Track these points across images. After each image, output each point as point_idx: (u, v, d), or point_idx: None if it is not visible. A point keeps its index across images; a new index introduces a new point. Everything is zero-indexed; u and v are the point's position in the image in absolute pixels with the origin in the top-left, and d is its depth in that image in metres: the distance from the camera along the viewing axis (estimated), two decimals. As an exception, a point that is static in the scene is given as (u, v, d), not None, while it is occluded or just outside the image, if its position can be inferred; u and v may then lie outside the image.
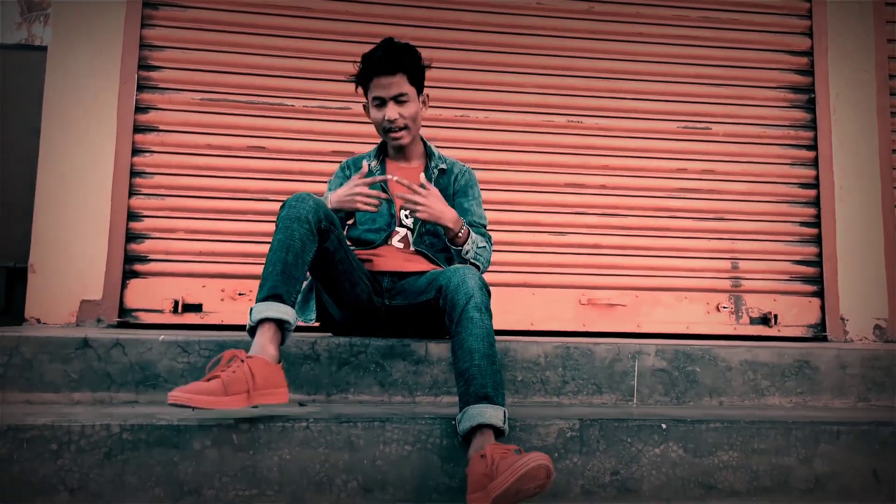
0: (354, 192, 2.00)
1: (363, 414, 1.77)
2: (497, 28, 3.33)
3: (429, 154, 2.33)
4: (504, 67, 3.31)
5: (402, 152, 2.29)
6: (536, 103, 3.32)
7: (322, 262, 1.91)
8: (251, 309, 1.69)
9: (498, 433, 1.60)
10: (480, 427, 1.59)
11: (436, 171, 2.29)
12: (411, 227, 2.23)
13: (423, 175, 2.07)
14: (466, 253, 2.10)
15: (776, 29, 3.48)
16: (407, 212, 2.19)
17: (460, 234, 2.07)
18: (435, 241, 2.22)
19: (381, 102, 2.16)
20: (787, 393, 2.29)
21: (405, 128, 2.17)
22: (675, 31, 3.43)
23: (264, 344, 1.65)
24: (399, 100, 2.15)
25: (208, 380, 1.53)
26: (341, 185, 2.21)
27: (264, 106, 3.15)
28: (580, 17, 3.38)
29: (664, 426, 1.80)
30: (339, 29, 3.20)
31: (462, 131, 3.26)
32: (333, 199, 2.03)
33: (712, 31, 3.44)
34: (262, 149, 3.14)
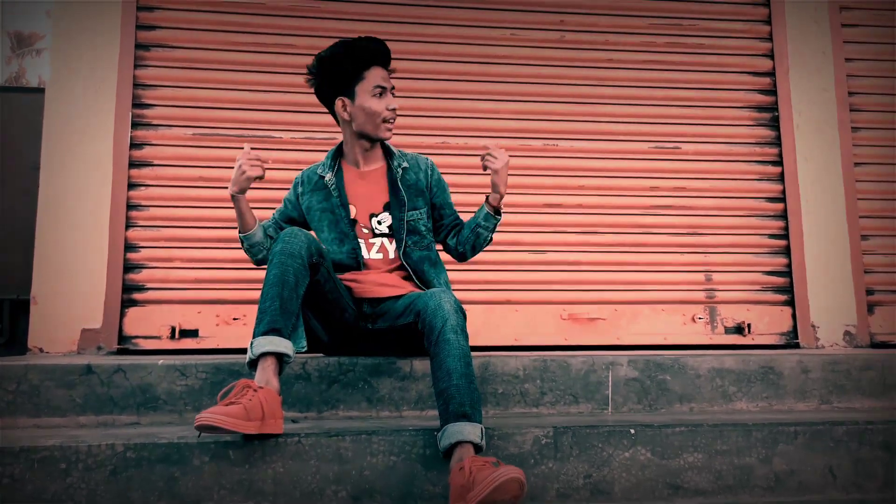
0: (240, 166, 2.05)
1: (351, 428, 1.90)
2: (473, 58, 3.49)
3: (389, 153, 2.31)
4: (481, 95, 3.47)
5: (364, 153, 2.26)
6: (513, 128, 3.47)
7: (313, 294, 1.99)
8: (251, 343, 1.79)
9: (476, 448, 1.71)
10: (460, 443, 1.69)
11: (399, 169, 2.27)
12: (388, 231, 2.24)
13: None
14: (498, 223, 2.28)
15: (740, 52, 3.65)
16: (380, 218, 2.24)
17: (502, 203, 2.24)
18: (417, 239, 2.25)
19: (383, 91, 2.16)
20: (753, 398, 2.42)
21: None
22: (643, 56, 3.59)
23: (269, 377, 1.76)
24: (394, 93, 2.22)
25: (228, 404, 1.62)
26: (292, 200, 2.36)
27: (253, 138, 3.28)
28: (553, 46, 3.54)
29: (633, 431, 1.93)
30: (324, 63, 3.36)
31: (442, 157, 3.37)
32: (232, 189, 2.07)
33: (679, 55, 3.61)
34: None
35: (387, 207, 2.25)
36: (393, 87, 2.22)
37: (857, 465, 1.97)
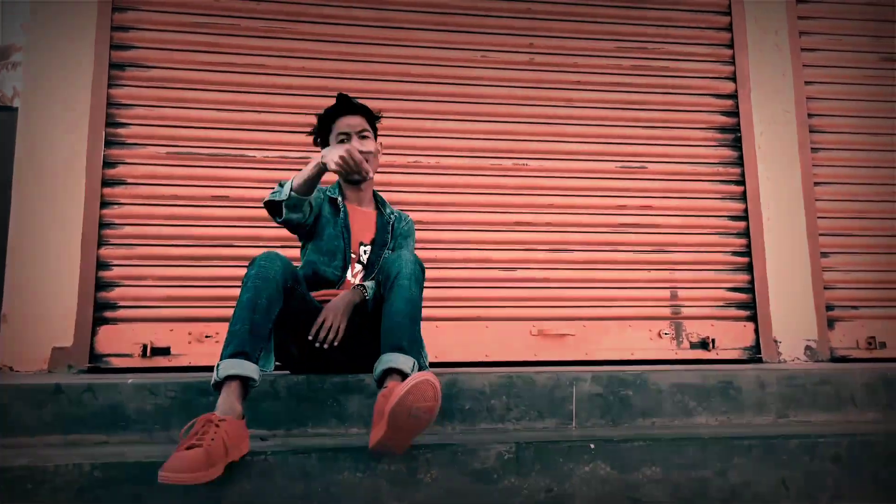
0: (347, 152, 2.02)
1: (319, 445, 1.92)
2: (444, 80, 3.56)
3: (381, 203, 2.51)
4: (452, 115, 3.53)
5: (358, 194, 2.44)
6: (484, 148, 3.54)
7: (286, 316, 2.01)
8: (217, 365, 1.80)
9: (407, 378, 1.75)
10: (391, 372, 1.80)
11: (391, 217, 2.48)
12: (364, 262, 2.38)
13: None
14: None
15: (703, 75, 3.76)
16: (366, 248, 2.38)
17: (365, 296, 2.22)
18: None
19: (347, 137, 2.35)
20: (713, 412, 2.47)
21: (365, 161, 2.20)
22: (610, 78, 3.69)
23: (232, 402, 1.76)
24: (362, 135, 2.36)
25: (188, 447, 1.59)
26: (316, 196, 2.35)
27: (227, 157, 3.32)
28: (522, 68, 3.62)
29: (592, 446, 1.96)
30: (295, 84, 3.41)
31: (414, 176, 3.46)
32: (325, 157, 2.04)
33: (645, 77, 3.71)
34: (225, 198, 3.30)
35: (372, 242, 2.42)
36: (365, 131, 2.37)
37: (808, 477, 2.03)
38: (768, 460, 2.04)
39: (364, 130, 2.39)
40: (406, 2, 3.58)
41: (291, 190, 2.15)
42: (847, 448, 2.06)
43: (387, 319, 1.90)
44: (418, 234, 3.31)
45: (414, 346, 1.88)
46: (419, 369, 1.94)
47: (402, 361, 1.83)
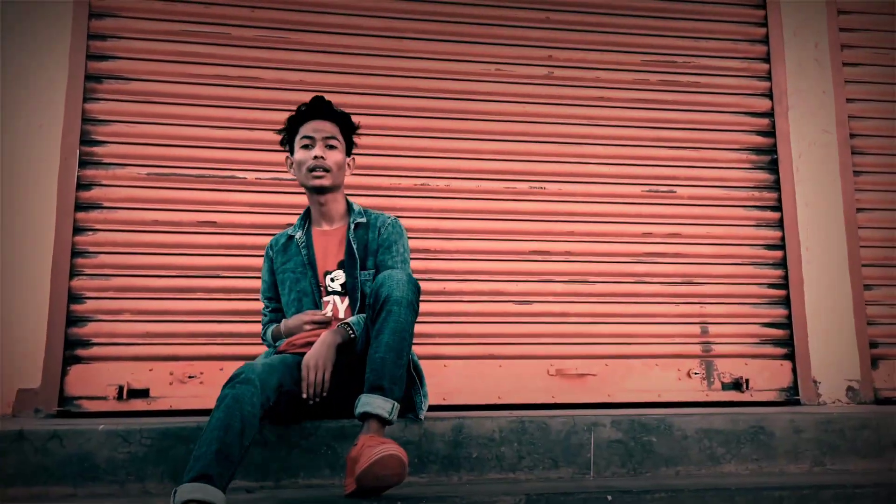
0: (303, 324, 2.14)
1: (308, 497, 1.81)
2: (454, 95, 3.28)
3: (351, 211, 2.32)
4: (463, 134, 3.26)
5: (320, 209, 2.27)
6: (497, 170, 3.26)
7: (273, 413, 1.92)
8: (175, 490, 1.53)
9: (386, 423, 1.78)
10: (368, 416, 1.76)
11: (352, 225, 2.26)
12: (340, 290, 2.20)
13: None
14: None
15: (736, 91, 3.49)
16: (333, 275, 2.22)
17: (351, 336, 2.05)
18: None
19: (311, 142, 2.20)
20: (743, 460, 2.28)
21: (328, 171, 2.18)
22: (635, 94, 3.41)
23: None
24: (329, 143, 2.21)
25: None
26: (268, 269, 2.35)
27: (215, 179, 3.05)
28: (540, 83, 3.35)
29: (609, 498, 1.79)
30: (292, 98, 3.09)
31: (422, 200, 3.19)
32: (285, 329, 2.19)
33: (673, 94, 3.44)
34: (212, 223, 3.02)
35: (341, 265, 2.23)
36: (332, 139, 2.22)
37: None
38: (805, 517, 1.79)
39: (331, 138, 2.21)
40: (414, 10, 3.31)
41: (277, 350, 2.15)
42: (887, 499, 1.89)
43: (372, 351, 1.83)
44: (426, 264, 3.06)
45: (396, 385, 1.81)
46: (401, 409, 1.88)
47: (380, 405, 1.77)
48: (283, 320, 2.23)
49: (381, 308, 1.83)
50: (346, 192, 2.40)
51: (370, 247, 2.23)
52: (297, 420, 2.06)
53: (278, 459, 2.02)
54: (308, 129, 2.21)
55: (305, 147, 2.20)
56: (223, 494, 1.55)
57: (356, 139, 2.36)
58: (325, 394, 1.93)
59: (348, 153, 2.30)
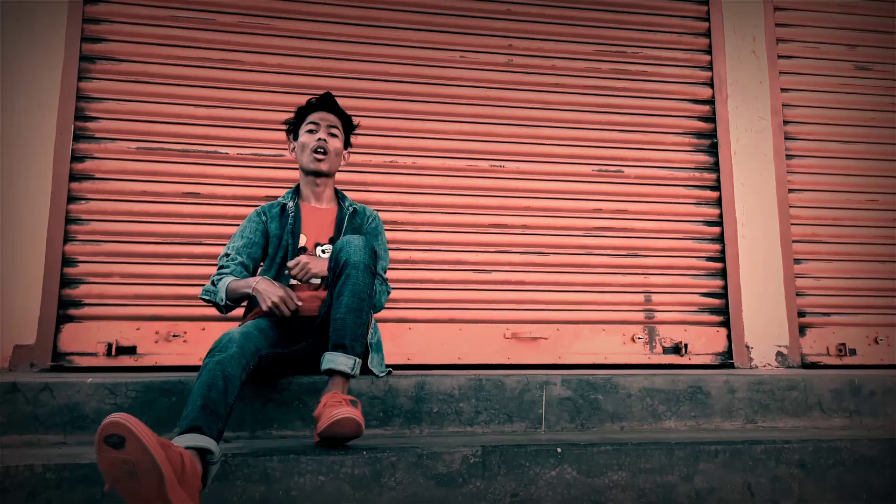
0: (282, 297, 2.12)
1: (280, 447, 1.90)
2: (422, 79, 3.53)
3: (340, 198, 2.54)
4: (429, 116, 3.51)
5: (314, 190, 2.47)
6: (460, 149, 3.52)
7: (254, 376, 1.99)
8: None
9: (349, 377, 1.93)
10: (332, 371, 1.92)
11: (349, 209, 2.49)
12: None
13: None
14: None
15: (681, 80, 3.77)
16: (324, 248, 2.39)
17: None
18: None
19: (316, 128, 2.42)
20: (682, 417, 2.48)
21: (327, 153, 2.40)
22: (588, 81, 3.68)
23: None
24: (331, 131, 2.45)
25: None
26: (257, 230, 2.40)
27: (199, 154, 3.27)
28: (501, 70, 3.61)
29: (559, 450, 1.95)
30: (272, 80, 3.36)
31: (390, 175, 3.43)
32: (261, 289, 2.13)
33: (623, 81, 3.71)
34: (196, 195, 3.25)
35: (331, 241, 2.42)
36: (334, 128, 2.45)
37: (774, 483, 2.04)
38: (734, 465, 2.04)
39: (334, 127, 2.46)
40: (386, 0, 3.55)
41: (226, 299, 2.23)
42: (812, 453, 2.08)
43: (334, 312, 1.96)
44: (393, 235, 3.31)
45: (357, 342, 1.95)
46: (363, 366, 2.09)
47: (342, 362, 1.92)
48: (257, 278, 2.20)
49: (340, 272, 1.98)
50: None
51: (361, 230, 2.47)
52: (274, 379, 2.22)
53: (254, 412, 2.16)
54: (315, 117, 2.43)
55: (310, 132, 2.42)
56: (215, 442, 1.62)
57: (353, 139, 2.61)
58: (298, 304, 2.11)
59: (345, 147, 2.53)
